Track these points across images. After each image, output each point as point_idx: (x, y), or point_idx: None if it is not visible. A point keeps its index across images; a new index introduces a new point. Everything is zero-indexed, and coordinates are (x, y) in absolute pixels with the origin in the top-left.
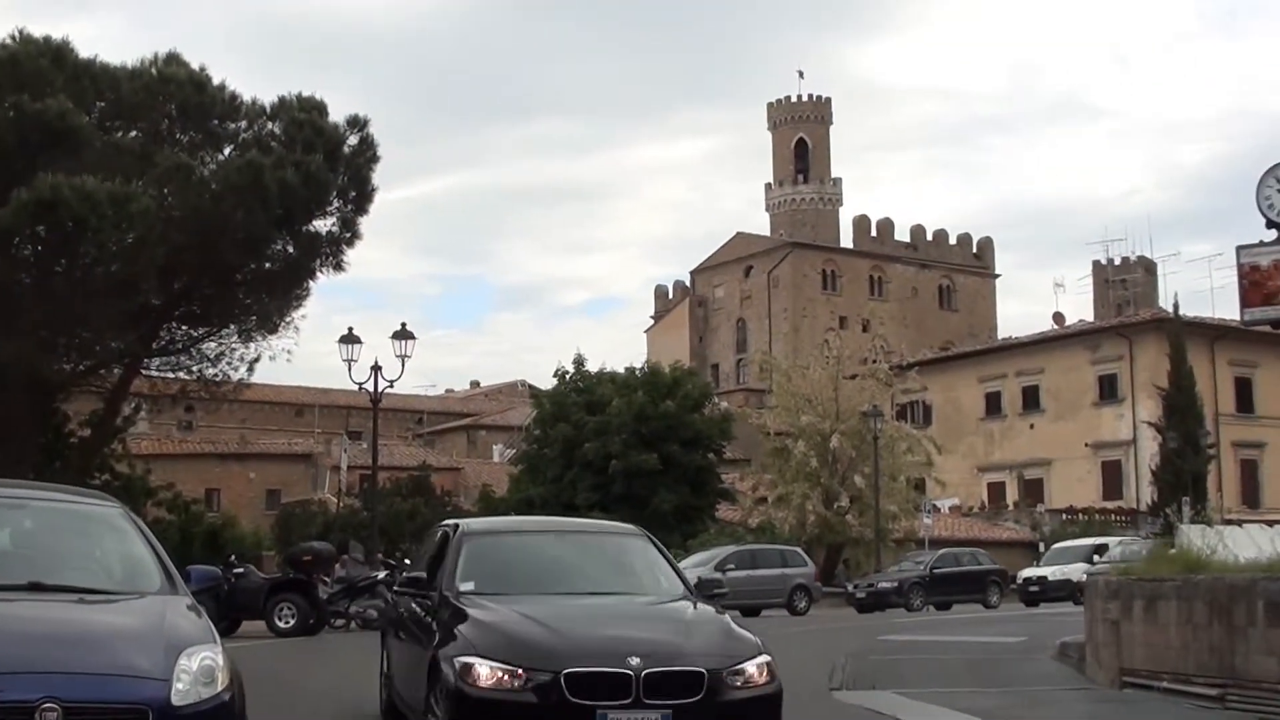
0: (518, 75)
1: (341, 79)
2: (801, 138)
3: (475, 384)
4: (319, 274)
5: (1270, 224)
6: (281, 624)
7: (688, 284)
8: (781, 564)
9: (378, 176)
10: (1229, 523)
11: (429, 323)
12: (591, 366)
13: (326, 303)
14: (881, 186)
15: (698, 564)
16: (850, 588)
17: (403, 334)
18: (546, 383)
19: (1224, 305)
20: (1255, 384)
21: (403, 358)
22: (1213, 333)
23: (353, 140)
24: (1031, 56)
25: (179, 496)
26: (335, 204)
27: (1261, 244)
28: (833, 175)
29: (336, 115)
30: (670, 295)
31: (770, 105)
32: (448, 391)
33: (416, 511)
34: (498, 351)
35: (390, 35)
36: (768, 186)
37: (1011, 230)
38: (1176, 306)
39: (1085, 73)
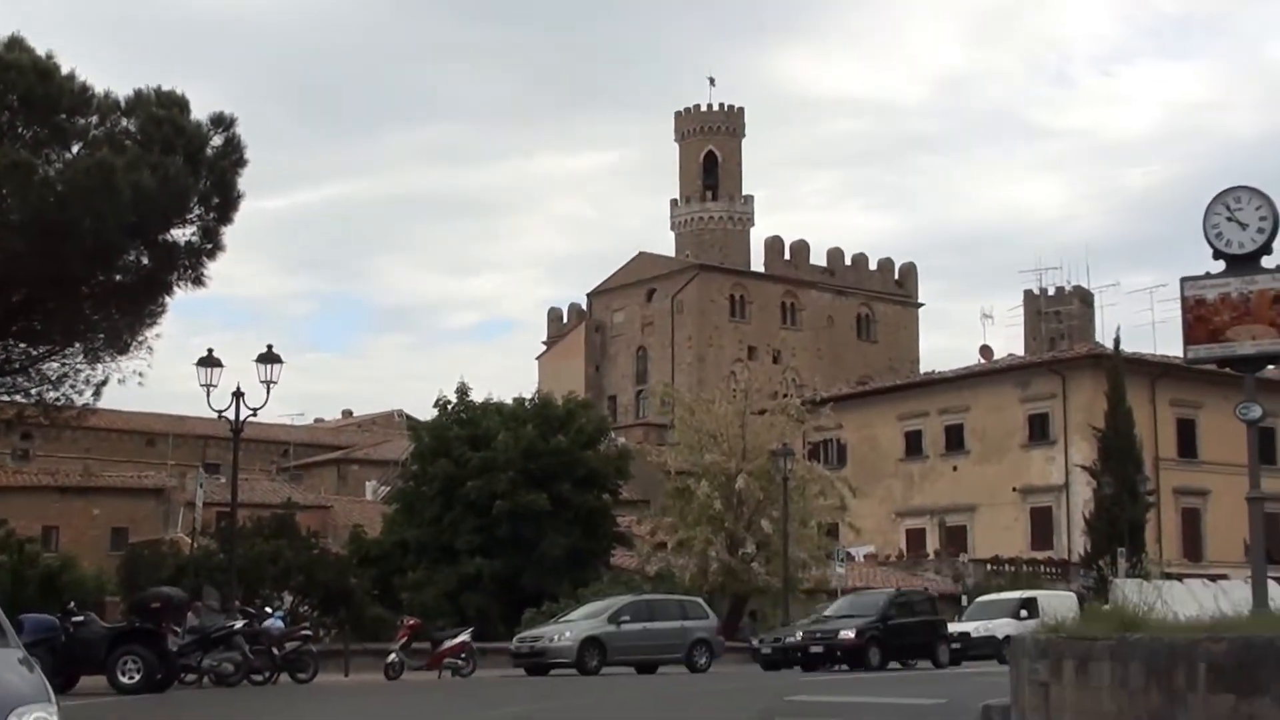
0: (405, 77)
1: (207, 74)
2: (711, 150)
3: (348, 413)
4: (176, 289)
5: (1218, 254)
6: (125, 679)
7: (584, 307)
8: (681, 616)
9: (245, 182)
10: (1169, 577)
11: (299, 345)
12: (477, 396)
13: (184, 321)
14: (797, 206)
15: (589, 615)
16: (755, 642)
17: (269, 357)
18: (426, 413)
19: (1166, 341)
20: (1199, 427)
21: (268, 383)
22: (1154, 371)
23: (217, 141)
24: (963, 70)
25: (11, 535)
26: (196, 211)
27: (1208, 276)
28: (744, 192)
29: (200, 113)
30: (565, 319)
31: (678, 114)
32: (317, 421)
33: (279, 554)
34: (374, 378)
35: (262, 29)
36: (673, 203)
37: (937, 256)
38: (1116, 341)
39: (1021, 89)
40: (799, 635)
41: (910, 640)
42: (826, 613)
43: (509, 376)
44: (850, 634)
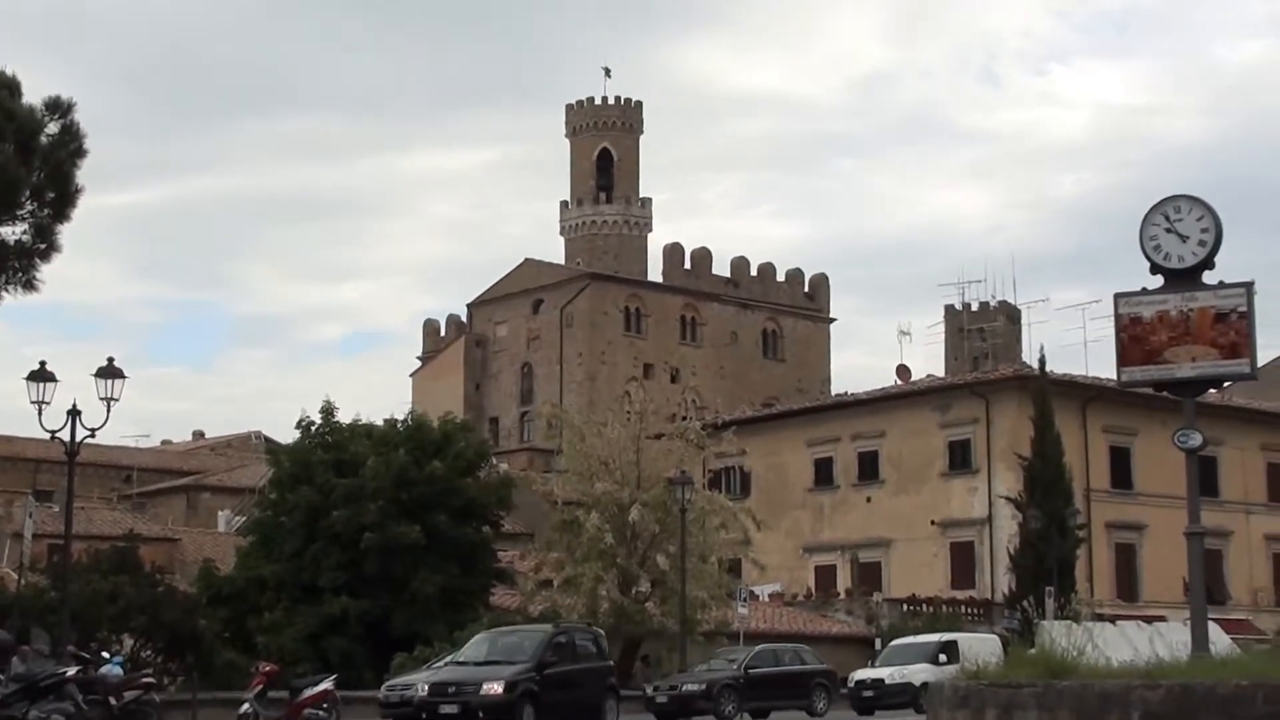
0: (267, 63)
1: (41, 56)
2: (605, 148)
3: (199, 435)
4: (4, 293)
5: (1155, 268)
6: None
7: (464, 319)
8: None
9: (85, 175)
10: (1100, 618)
11: (145, 359)
12: (344, 416)
13: (14, 331)
14: (699, 211)
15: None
16: (650, 690)
17: (109, 371)
18: (287, 435)
19: (1099, 362)
20: (1134, 456)
21: (109, 400)
22: (1085, 394)
23: (53, 129)
24: (883, 67)
25: None
26: (28, 206)
27: (1144, 292)
28: (641, 195)
29: (33, 97)
30: (443, 332)
31: (569, 108)
32: (165, 444)
33: (120, 592)
34: (229, 396)
35: (106, 6)
36: (563, 205)
37: (851, 268)
38: (1043, 362)
39: (946, 88)
40: (423, 689)
41: (578, 695)
42: (460, 657)
43: (380, 395)
44: (496, 688)
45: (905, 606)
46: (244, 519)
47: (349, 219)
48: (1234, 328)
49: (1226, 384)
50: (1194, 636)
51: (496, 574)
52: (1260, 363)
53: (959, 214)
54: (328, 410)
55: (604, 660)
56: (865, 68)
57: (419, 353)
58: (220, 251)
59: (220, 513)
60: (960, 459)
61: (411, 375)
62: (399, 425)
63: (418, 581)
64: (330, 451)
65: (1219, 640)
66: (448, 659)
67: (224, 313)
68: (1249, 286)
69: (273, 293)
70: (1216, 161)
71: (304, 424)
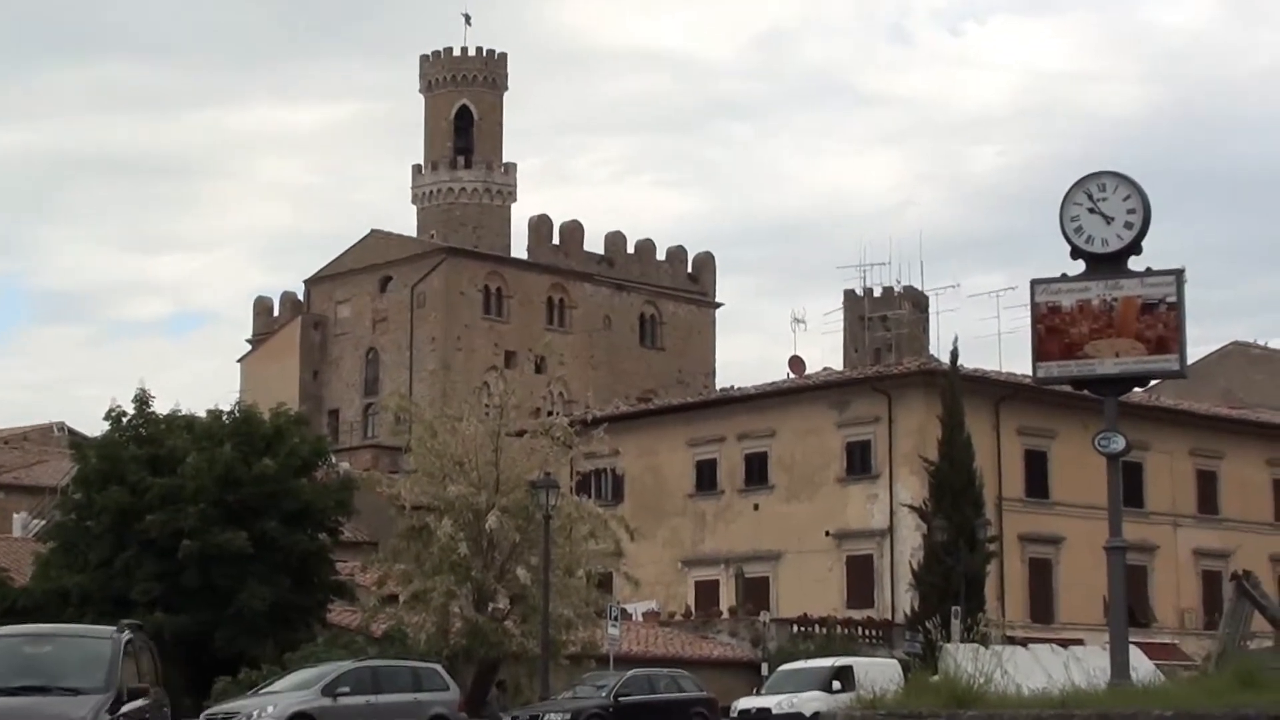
0: (78, 1)
1: None
2: (465, 105)
3: None
4: None
5: (1077, 252)
6: None
7: (301, 297)
8: (414, 687)
9: None
10: (1012, 641)
11: None
12: (162, 406)
13: None
14: (571, 180)
15: (298, 687)
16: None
17: None
18: (96, 427)
19: (1014, 356)
20: (1051, 461)
21: None
22: (998, 392)
23: None
24: (782, 23)
25: None
26: None
27: (1064, 278)
28: (505, 160)
29: None
30: (277, 312)
31: (424, 59)
32: None
33: None
34: (29, 382)
35: None
36: (416, 170)
37: (741, 247)
38: (953, 355)
39: (851, 48)
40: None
41: None
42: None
43: (204, 383)
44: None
45: (795, 627)
46: (43, 522)
47: (172, 182)
48: (1162, 319)
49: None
50: (1114, 662)
51: (334, 588)
52: (1191, 359)
53: (863, 188)
54: (142, 399)
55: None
56: (762, 24)
57: (249, 335)
58: (19, 216)
59: (16, 515)
60: (859, 463)
61: (240, 360)
62: (225, 417)
63: (244, 595)
64: (145, 446)
65: (1141, 666)
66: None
67: (23, 287)
68: (1179, 274)
69: (81, 264)
70: (1152, 136)
71: (115, 414)
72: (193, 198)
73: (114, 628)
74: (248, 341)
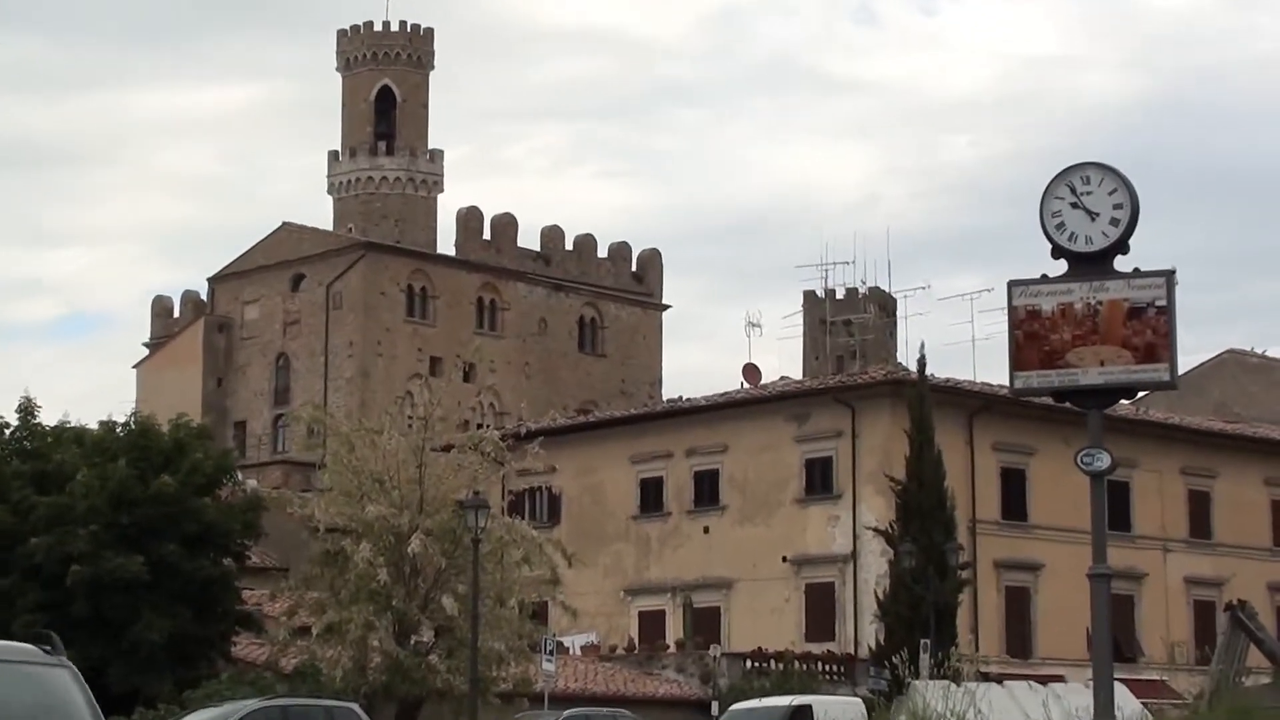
0: None
1: None
2: (386, 86)
3: None
4: None
5: (1058, 251)
6: None
7: (204, 297)
8: None
9: None
10: (986, 678)
11: None
12: (49, 417)
13: None
14: (503, 169)
15: None
16: None
17: None
18: None
19: (989, 365)
20: (1030, 479)
21: None
22: (972, 404)
23: None
24: (739, 2)
25: None
26: None
27: (1045, 279)
28: (430, 147)
29: None
30: (177, 313)
31: (341, 34)
32: None
33: None
34: None
35: None
36: (333, 157)
37: (690, 245)
38: (922, 363)
39: (814, 29)
40: None
41: None
42: None
43: (96, 392)
44: None
45: (749, 662)
46: None
47: (61, 170)
48: (1151, 325)
49: (1141, 393)
50: (1097, 701)
51: (240, 618)
52: (1182, 368)
53: (826, 181)
54: (26, 409)
55: None
56: (716, 2)
57: (146, 338)
58: None
59: None
60: (819, 481)
61: (136, 367)
62: (119, 430)
63: (139, 627)
64: (29, 461)
65: (1127, 705)
66: None
67: None
68: (1169, 275)
69: None
70: (1140, 127)
71: None
72: (85, 188)
73: (38, 647)
74: (145, 346)
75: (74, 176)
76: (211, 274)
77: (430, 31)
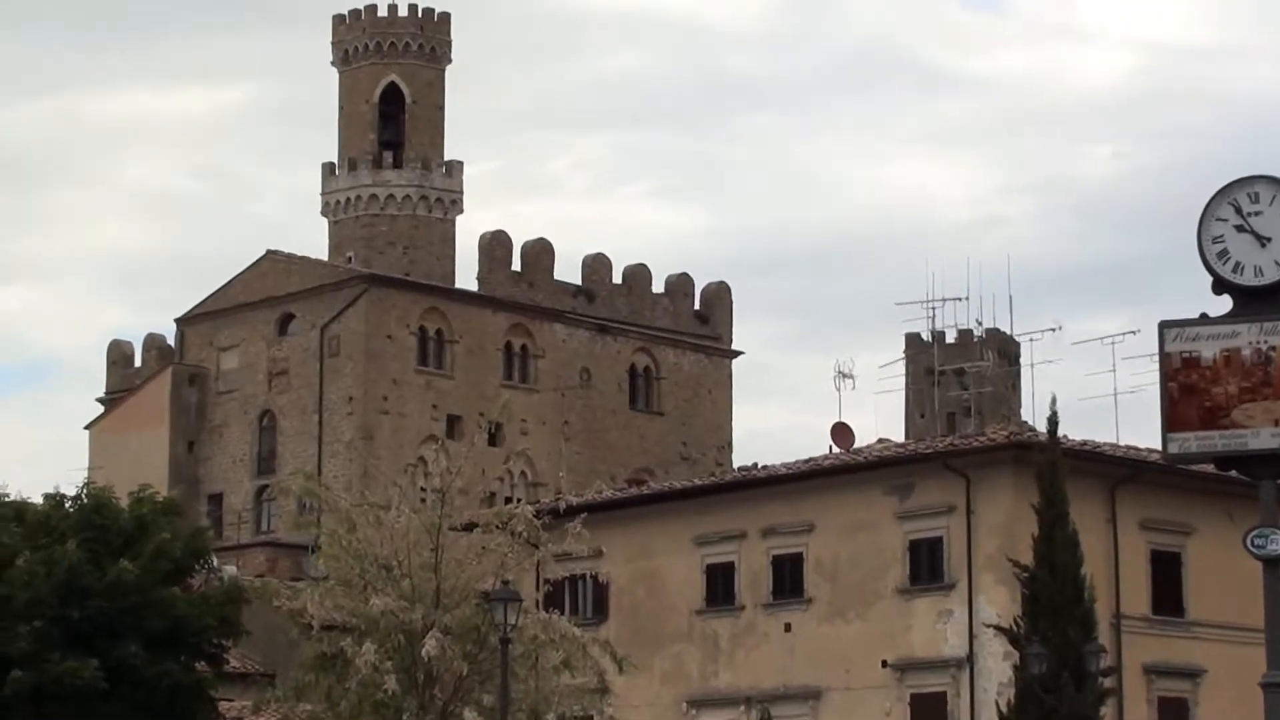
0: None
1: None
2: (394, 84)
3: None
4: None
5: (1221, 285)
6: None
7: (172, 342)
8: None
9: None
10: None
11: None
12: None
13: None
14: (537, 186)
15: None
16: None
17: None
18: None
19: (1136, 424)
20: (1186, 566)
21: None
22: (1115, 473)
23: None
24: None
25: None
26: None
27: (1204, 319)
28: (447, 158)
29: None
30: (139, 361)
31: (338, 20)
32: None
33: None
34: None
35: None
36: (328, 170)
37: (766, 276)
38: (1053, 422)
39: (916, 15)
40: None
41: None
42: None
43: (40, 458)
44: None
45: None
46: None
47: (6, 188)
48: None
49: None
50: None
51: None
52: None
53: (932, 199)
54: None
55: None
56: None
57: (101, 392)
58: None
59: None
60: (927, 568)
61: (89, 427)
62: (68, 504)
63: None
64: None
65: None
66: None
67: None
68: None
69: None
70: None
71: None
72: (29, 209)
73: None
74: (99, 401)
75: (16, 195)
76: (180, 314)
77: (446, 17)
